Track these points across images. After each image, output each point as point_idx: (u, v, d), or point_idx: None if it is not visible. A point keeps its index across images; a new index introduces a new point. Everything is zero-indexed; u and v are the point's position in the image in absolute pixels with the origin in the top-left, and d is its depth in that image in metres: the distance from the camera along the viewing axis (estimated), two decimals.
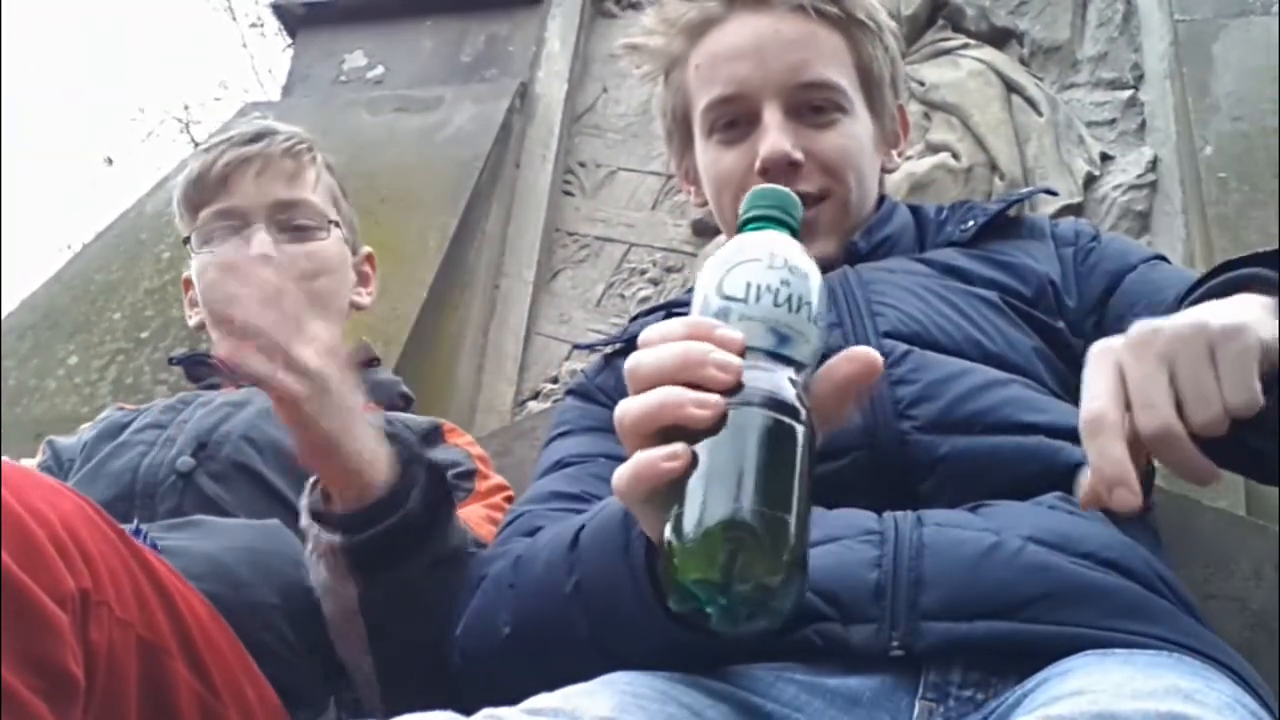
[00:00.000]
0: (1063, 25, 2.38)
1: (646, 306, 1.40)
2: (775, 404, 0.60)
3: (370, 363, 1.40)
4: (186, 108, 9.32)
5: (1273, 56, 2.02)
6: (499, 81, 2.58)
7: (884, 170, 1.20)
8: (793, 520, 0.58)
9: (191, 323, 1.41)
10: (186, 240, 1.34)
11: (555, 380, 2.27)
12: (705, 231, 2.32)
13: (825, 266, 1.08)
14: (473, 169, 2.34)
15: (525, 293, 2.37)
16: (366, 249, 1.46)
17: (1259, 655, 1.23)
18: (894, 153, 1.21)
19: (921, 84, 2.31)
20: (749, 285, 0.64)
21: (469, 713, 0.62)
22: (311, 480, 0.94)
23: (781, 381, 0.61)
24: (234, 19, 9.08)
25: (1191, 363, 0.65)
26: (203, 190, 1.31)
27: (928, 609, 0.72)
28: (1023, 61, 2.37)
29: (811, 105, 1.11)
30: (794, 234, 0.69)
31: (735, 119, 1.12)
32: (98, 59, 20.53)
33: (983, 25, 2.39)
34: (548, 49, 2.63)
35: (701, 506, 0.58)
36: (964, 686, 0.73)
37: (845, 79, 1.12)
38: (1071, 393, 0.95)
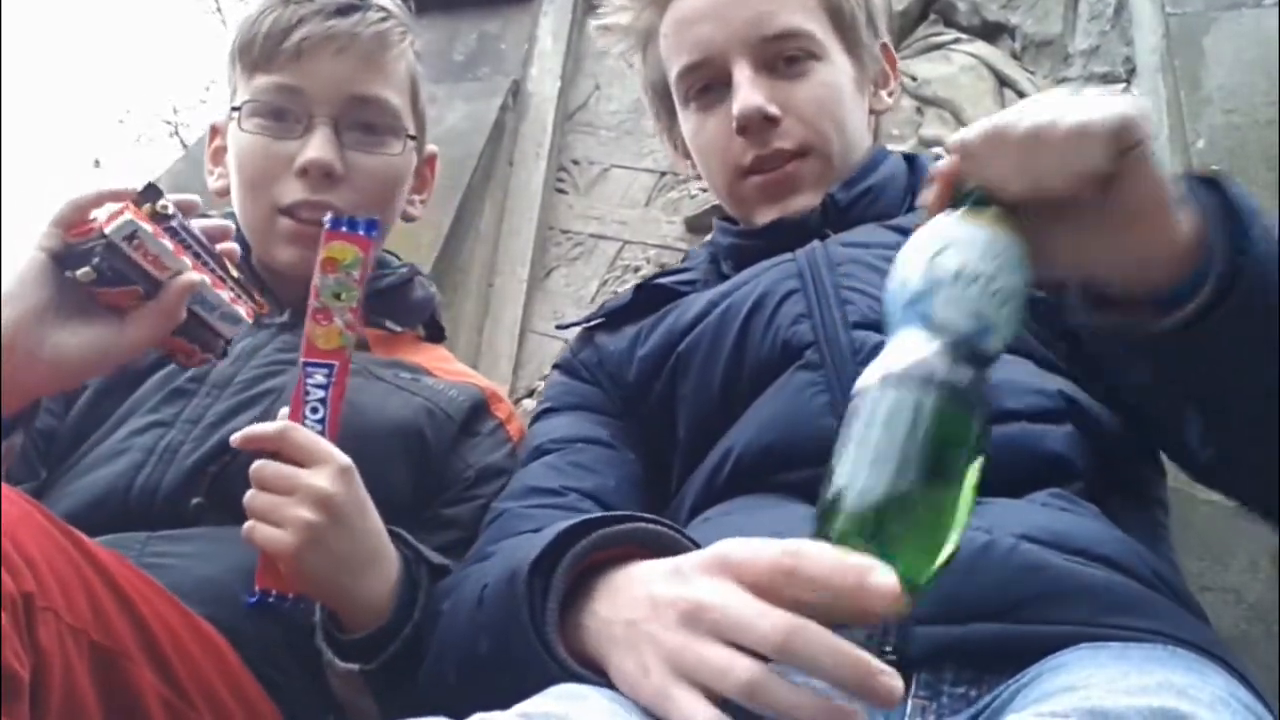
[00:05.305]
0: (1054, 19, 2.37)
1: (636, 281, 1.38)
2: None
3: None
4: (175, 110, 9.30)
5: (1263, 49, 2.02)
6: (491, 80, 2.57)
7: (874, 112, 1.17)
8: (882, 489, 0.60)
9: (213, 186, 1.24)
10: (234, 105, 1.16)
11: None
12: (699, 228, 2.31)
13: (807, 225, 1.06)
14: (466, 167, 2.33)
15: (519, 291, 2.36)
16: (431, 149, 1.28)
17: (1255, 648, 1.23)
18: (883, 93, 1.18)
19: (914, 79, 2.30)
20: (960, 269, 0.65)
21: (461, 716, 0.61)
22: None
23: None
24: (224, 23, 9.05)
25: None
26: (269, 57, 1.13)
27: (920, 612, 0.70)
28: (1015, 56, 2.36)
29: (783, 57, 1.08)
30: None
31: (708, 83, 1.10)
32: (88, 64, 20.49)
33: (974, 20, 2.39)
34: (540, 47, 2.62)
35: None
36: (957, 684, 0.72)
37: (814, 24, 1.09)
38: (1066, 350, 0.94)
